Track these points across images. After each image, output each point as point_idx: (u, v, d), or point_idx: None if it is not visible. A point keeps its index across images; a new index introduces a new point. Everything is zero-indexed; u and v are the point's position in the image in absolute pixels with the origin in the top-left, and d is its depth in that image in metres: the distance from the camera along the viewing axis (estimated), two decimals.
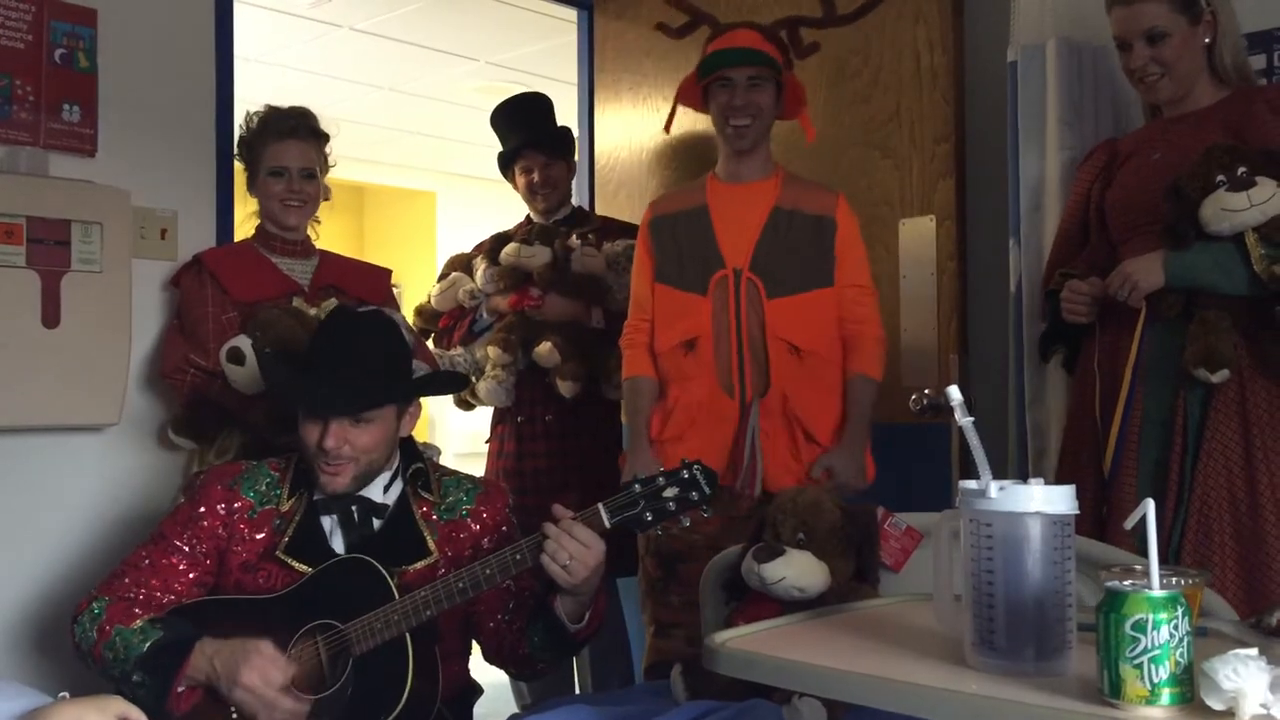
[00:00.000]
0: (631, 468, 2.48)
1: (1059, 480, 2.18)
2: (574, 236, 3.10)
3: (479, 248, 3.27)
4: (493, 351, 3.04)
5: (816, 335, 2.46)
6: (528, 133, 3.17)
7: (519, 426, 3.10)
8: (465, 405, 3.22)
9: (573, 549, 1.77)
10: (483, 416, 3.28)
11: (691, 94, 2.58)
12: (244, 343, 2.38)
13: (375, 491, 2.02)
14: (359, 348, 1.99)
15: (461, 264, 3.27)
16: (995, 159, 2.73)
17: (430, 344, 3.18)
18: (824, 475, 2.39)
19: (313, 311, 2.51)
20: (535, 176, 3.17)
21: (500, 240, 3.21)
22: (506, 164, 3.24)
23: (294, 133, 2.59)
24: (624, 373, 2.62)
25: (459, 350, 3.15)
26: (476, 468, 3.15)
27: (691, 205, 2.57)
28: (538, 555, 1.79)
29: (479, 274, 3.18)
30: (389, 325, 2.09)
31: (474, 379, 3.09)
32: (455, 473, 2.15)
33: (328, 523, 1.99)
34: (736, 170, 2.56)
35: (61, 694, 1.25)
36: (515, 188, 3.26)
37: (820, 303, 2.47)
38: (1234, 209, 1.97)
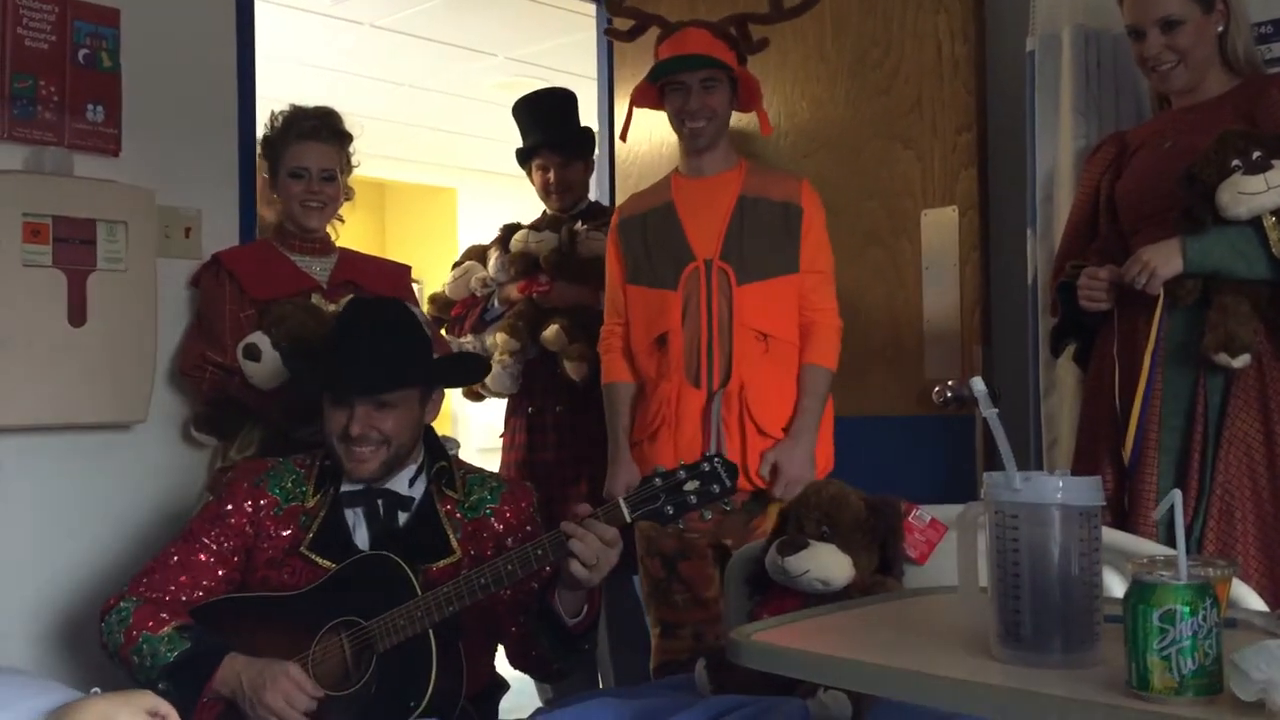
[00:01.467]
0: (613, 477, 2.48)
1: (1076, 469, 2.17)
2: (580, 222, 3.11)
3: (495, 241, 3.29)
4: (501, 338, 3.05)
5: (785, 322, 2.45)
6: (546, 133, 3.18)
7: (529, 418, 3.11)
8: (474, 396, 3.23)
9: (597, 548, 1.76)
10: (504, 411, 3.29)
11: (646, 95, 2.57)
12: (260, 339, 2.41)
13: (401, 484, 2.02)
14: (379, 331, 2.01)
15: (478, 254, 3.30)
16: (1017, 148, 2.71)
17: (442, 332, 3.19)
18: (770, 473, 2.38)
19: (331, 308, 2.53)
20: (551, 176, 3.18)
21: (511, 230, 3.22)
22: (524, 159, 3.25)
23: (315, 134, 2.60)
24: (602, 379, 2.62)
25: (469, 338, 3.16)
26: (497, 463, 3.16)
27: (657, 203, 2.56)
28: (559, 552, 1.79)
29: (492, 263, 3.20)
30: (407, 312, 2.11)
31: None
32: (480, 470, 2.15)
33: (351, 516, 2.00)
34: (699, 165, 2.55)
35: (93, 689, 1.25)
36: (531, 182, 3.26)
37: (788, 289, 2.46)
38: (1251, 192, 1.95)
